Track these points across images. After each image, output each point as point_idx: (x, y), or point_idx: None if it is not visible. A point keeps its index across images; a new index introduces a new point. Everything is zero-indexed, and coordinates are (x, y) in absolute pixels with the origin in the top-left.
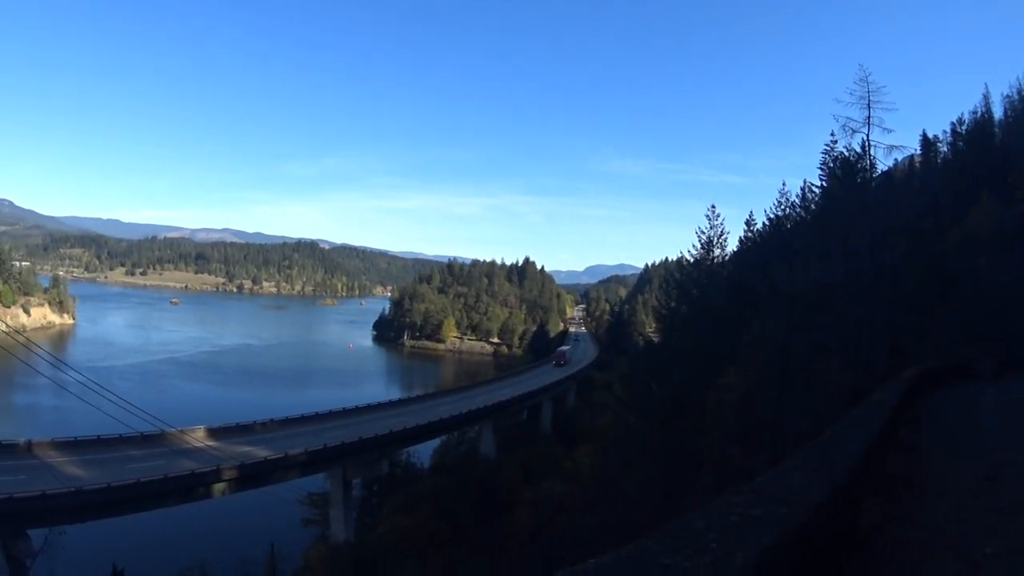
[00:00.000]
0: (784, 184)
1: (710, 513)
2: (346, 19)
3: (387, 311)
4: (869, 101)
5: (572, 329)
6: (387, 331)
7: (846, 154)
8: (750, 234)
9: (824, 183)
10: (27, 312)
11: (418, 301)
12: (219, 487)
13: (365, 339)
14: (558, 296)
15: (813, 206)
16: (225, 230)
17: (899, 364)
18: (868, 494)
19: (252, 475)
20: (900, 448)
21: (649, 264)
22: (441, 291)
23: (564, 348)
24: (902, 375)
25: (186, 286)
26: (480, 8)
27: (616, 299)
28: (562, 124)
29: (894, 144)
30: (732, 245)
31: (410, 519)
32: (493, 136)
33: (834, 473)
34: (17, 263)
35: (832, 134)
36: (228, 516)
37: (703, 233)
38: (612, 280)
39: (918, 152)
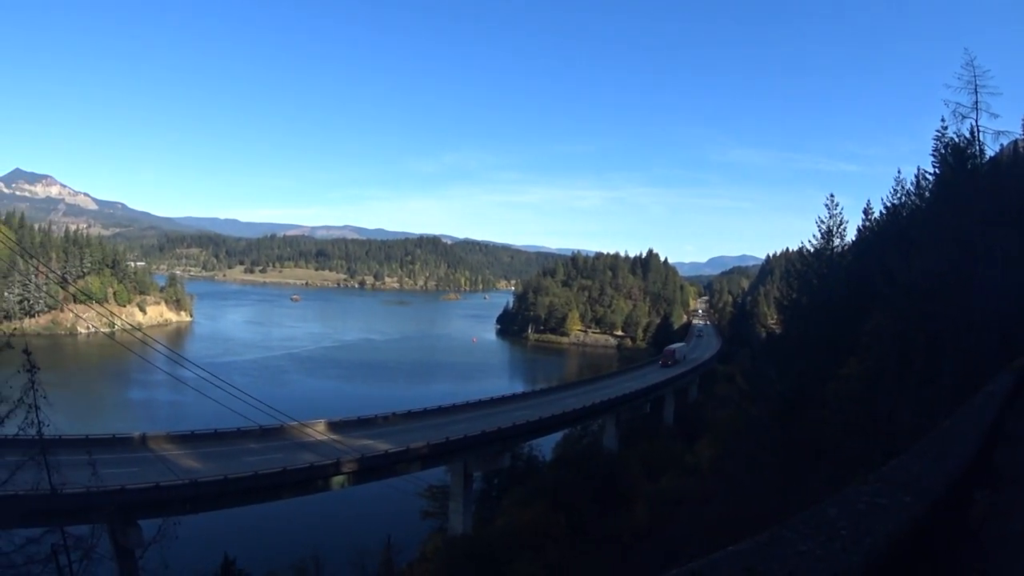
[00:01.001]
0: (899, 172)
1: (840, 501)
2: (464, 18)
3: (511, 305)
4: (976, 86)
5: (695, 321)
6: (511, 325)
7: (956, 140)
8: (868, 223)
9: (937, 170)
10: (143, 310)
11: (542, 294)
12: (338, 480)
13: (489, 333)
14: (681, 288)
15: (927, 194)
16: (345, 227)
17: (1010, 354)
18: (978, 485)
19: (372, 468)
20: (1007, 439)
21: (770, 255)
22: (565, 284)
23: (675, 346)
24: (1012, 365)
25: (306, 283)
26: (596, 2)
27: (738, 290)
28: (682, 114)
29: (1000, 129)
30: (851, 235)
31: (529, 513)
32: (613, 128)
33: (949, 465)
34: (132, 263)
35: (943, 120)
36: (345, 508)
37: (823, 223)
38: (734, 271)
39: (1023, 136)
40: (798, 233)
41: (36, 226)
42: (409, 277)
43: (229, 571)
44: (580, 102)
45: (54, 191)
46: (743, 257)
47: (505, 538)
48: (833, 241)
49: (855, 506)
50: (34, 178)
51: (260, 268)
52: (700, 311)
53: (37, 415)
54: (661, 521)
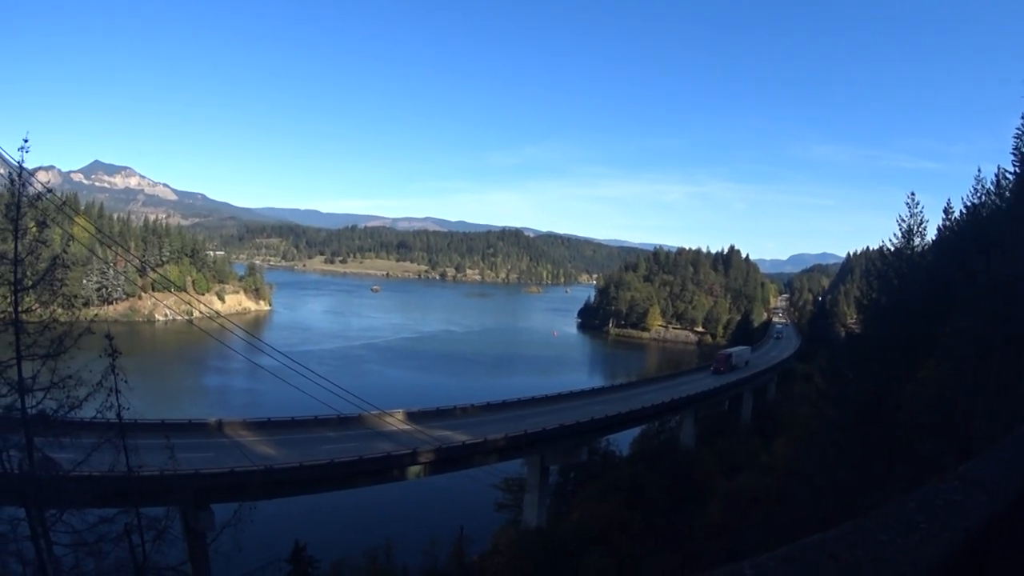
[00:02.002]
0: (979, 170)
1: (919, 497)
2: (547, 10)
3: (592, 299)
4: None
5: (775, 319)
6: (592, 319)
7: None
8: (948, 222)
9: (1017, 169)
10: (221, 299)
11: (623, 289)
12: (414, 469)
13: (570, 326)
14: (762, 285)
15: (1007, 193)
16: (427, 219)
17: None
18: None
19: (449, 458)
20: None
21: (851, 253)
22: (647, 279)
23: (732, 350)
24: None
25: (387, 274)
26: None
27: (819, 289)
28: (764, 109)
29: None
30: (932, 234)
31: (603, 507)
32: (697, 122)
33: None
34: (211, 252)
35: (1022, 117)
36: (418, 498)
37: (903, 221)
38: (815, 269)
39: None
40: (879, 231)
41: (115, 216)
42: (491, 269)
43: (299, 556)
44: (664, 96)
45: (133, 182)
46: (824, 255)
47: (578, 532)
48: (913, 240)
49: (933, 502)
50: (113, 169)
51: (340, 259)
52: (780, 309)
53: (117, 398)
54: (734, 520)
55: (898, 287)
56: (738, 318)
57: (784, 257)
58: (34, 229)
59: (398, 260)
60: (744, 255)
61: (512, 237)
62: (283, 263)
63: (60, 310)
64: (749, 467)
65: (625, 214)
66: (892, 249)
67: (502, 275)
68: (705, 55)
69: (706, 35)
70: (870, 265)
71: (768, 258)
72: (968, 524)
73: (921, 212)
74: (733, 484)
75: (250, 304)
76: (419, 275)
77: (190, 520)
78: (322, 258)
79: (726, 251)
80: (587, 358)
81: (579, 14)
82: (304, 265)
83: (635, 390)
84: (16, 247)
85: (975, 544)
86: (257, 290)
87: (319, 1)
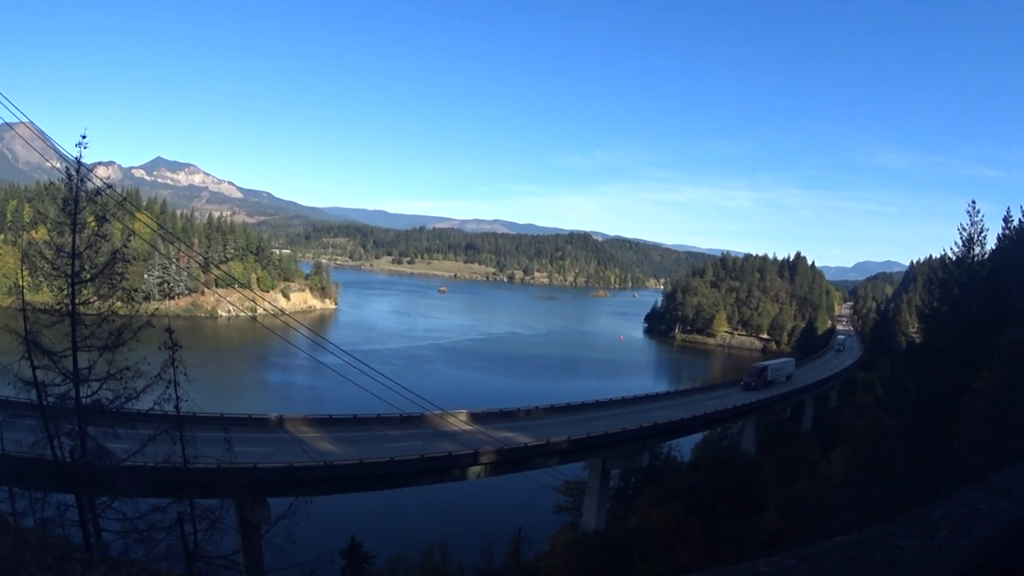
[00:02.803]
0: None
1: (946, 504)
2: (617, 17)
3: (659, 304)
4: None
5: (839, 327)
6: (658, 324)
7: None
8: (1007, 231)
9: None
10: (286, 296)
11: (690, 294)
12: (475, 470)
13: (636, 331)
14: (827, 293)
15: None
16: (496, 221)
17: None
18: None
19: (511, 459)
20: None
21: (914, 261)
22: (714, 285)
23: (769, 363)
24: None
25: (455, 275)
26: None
27: (882, 297)
28: (830, 115)
29: None
30: (992, 242)
31: (661, 513)
32: (764, 127)
33: None
34: (277, 250)
35: None
36: (477, 497)
37: (964, 230)
38: (879, 277)
39: None
40: (943, 239)
41: (178, 212)
42: (559, 273)
43: (355, 552)
44: (732, 100)
45: (197, 179)
46: (888, 263)
47: (635, 537)
48: (974, 249)
49: (959, 509)
50: (176, 166)
51: (408, 259)
52: (844, 317)
53: (176, 391)
54: (791, 528)
55: (958, 296)
56: (803, 325)
57: (849, 264)
58: (92, 223)
59: (466, 262)
60: (810, 262)
61: (580, 240)
62: (350, 263)
63: (119, 303)
64: (807, 475)
65: (693, 219)
66: (953, 258)
67: (570, 278)
68: (772, 59)
69: (774, 39)
70: (932, 274)
71: (833, 265)
72: (990, 531)
73: (981, 221)
74: (790, 492)
75: (316, 302)
76: (487, 277)
77: (245, 512)
78: (389, 258)
79: (792, 258)
80: (652, 363)
81: (650, 16)
82: (371, 265)
83: (698, 396)
84: (74, 240)
85: (995, 551)
86: (323, 288)
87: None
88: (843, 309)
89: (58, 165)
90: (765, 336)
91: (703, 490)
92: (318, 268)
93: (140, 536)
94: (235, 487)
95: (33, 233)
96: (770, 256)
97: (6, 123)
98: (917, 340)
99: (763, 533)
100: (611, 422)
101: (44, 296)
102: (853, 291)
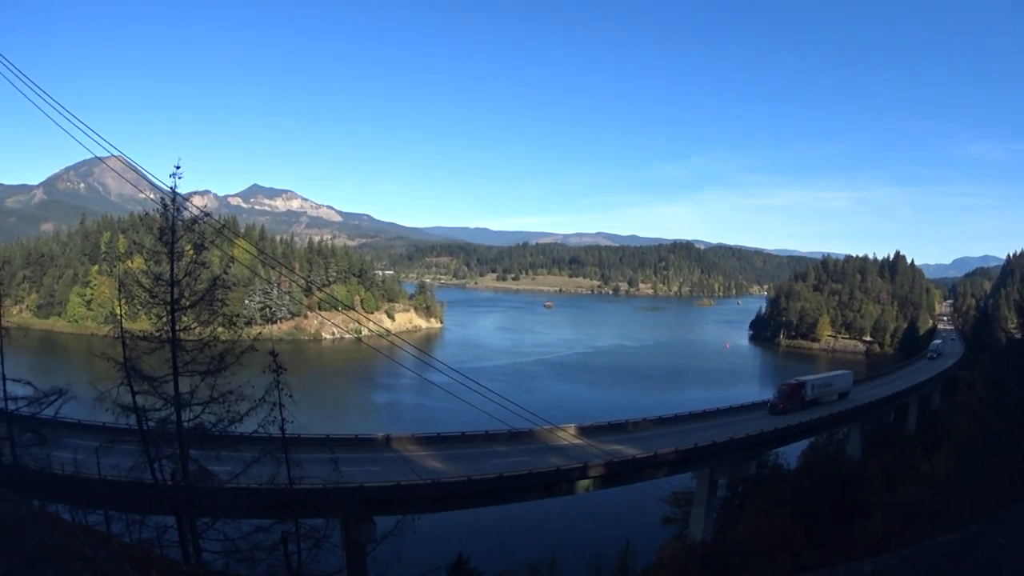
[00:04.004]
0: None
1: None
2: (703, 19)
3: (763, 310)
4: None
5: (940, 326)
6: (763, 330)
7: None
8: None
9: None
10: (391, 317)
11: (793, 299)
12: (583, 483)
13: (741, 338)
14: (927, 291)
15: None
16: (598, 234)
17: None
18: None
19: (619, 472)
20: None
21: (1011, 254)
22: (816, 288)
23: (806, 379)
24: None
25: (560, 290)
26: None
27: (981, 293)
28: (919, 107)
29: None
30: None
31: (767, 521)
32: (856, 125)
33: None
34: (380, 272)
35: None
36: (584, 511)
37: None
38: (977, 273)
39: None
40: None
41: (277, 238)
42: (663, 283)
43: (461, 568)
44: (823, 100)
45: (295, 204)
46: (986, 258)
47: (741, 547)
48: None
49: None
50: (273, 193)
51: (512, 275)
52: (945, 315)
53: (281, 413)
54: (895, 534)
55: None
56: (905, 326)
57: (947, 261)
58: (190, 252)
59: (570, 276)
60: (909, 260)
61: (683, 250)
62: (454, 281)
63: (221, 329)
64: (911, 479)
65: (792, 222)
66: None
67: (674, 288)
68: (861, 56)
69: (862, 35)
70: None
71: (932, 263)
72: None
73: None
74: (893, 497)
75: (421, 322)
76: (592, 290)
77: (351, 531)
78: (493, 275)
79: (891, 257)
80: (758, 370)
81: (732, 20)
82: (475, 283)
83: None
84: (172, 269)
85: None
86: (428, 308)
87: (485, 17)
88: (943, 307)
89: (152, 196)
90: (868, 339)
91: (808, 497)
92: (422, 288)
93: (241, 556)
94: (342, 506)
95: (129, 263)
96: (870, 256)
97: (97, 157)
98: (1017, 336)
99: (867, 539)
100: (718, 432)
101: (142, 324)
102: (952, 288)
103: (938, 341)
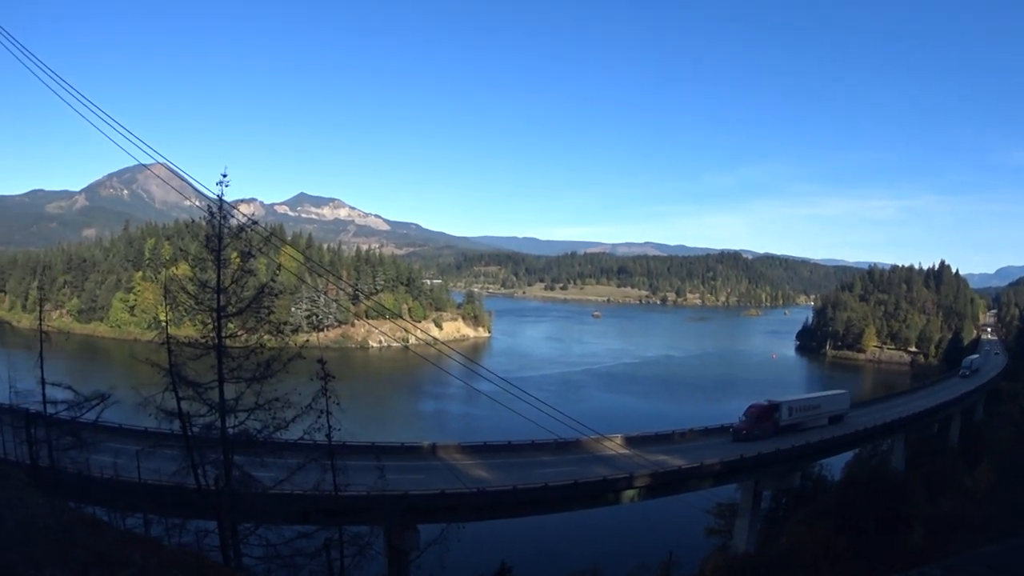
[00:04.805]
0: None
1: None
2: (756, 28)
3: (810, 320)
4: None
5: (984, 336)
6: (810, 341)
7: None
8: None
9: None
10: (439, 326)
11: (839, 309)
12: (629, 494)
13: (788, 349)
14: (971, 302)
15: None
16: (646, 243)
17: None
18: None
19: (665, 483)
20: None
21: None
22: (862, 299)
23: (781, 401)
24: None
25: (608, 299)
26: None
27: None
28: (963, 116)
29: None
30: None
31: (810, 533)
32: (901, 134)
33: None
34: (428, 280)
35: None
36: (628, 521)
37: None
38: (1021, 283)
39: None
40: None
41: (324, 246)
42: (711, 293)
43: None
44: (869, 109)
45: (343, 213)
46: None
47: (783, 558)
48: None
49: None
50: (320, 201)
51: (560, 285)
52: (989, 326)
53: (328, 420)
54: (936, 547)
55: None
56: (949, 337)
57: (992, 271)
58: (236, 259)
59: (618, 285)
60: (954, 270)
61: (731, 260)
62: (502, 291)
63: (267, 336)
64: (952, 491)
65: (839, 231)
66: None
67: (722, 298)
68: (905, 67)
69: (906, 47)
70: None
71: (976, 272)
72: None
73: None
74: (935, 509)
75: (468, 331)
76: (640, 300)
77: (393, 538)
78: (542, 285)
79: (936, 267)
80: (803, 381)
81: (781, 34)
82: (524, 292)
83: (848, 413)
84: (219, 276)
85: None
86: (476, 317)
87: (536, 28)
88: (987, 317)
89: (198, 204)
90: (913, 349)
91: (851, 509)
92: (470, 297)
93: (283, 561)
94: (386, 514)
95: (174, 269)
96: (915, 266)
97: (142, 164)
98: None
99: (909, 550)
100: (763, 443)
101: (186, 331)
102: (996, 298)
103: (975, 356)
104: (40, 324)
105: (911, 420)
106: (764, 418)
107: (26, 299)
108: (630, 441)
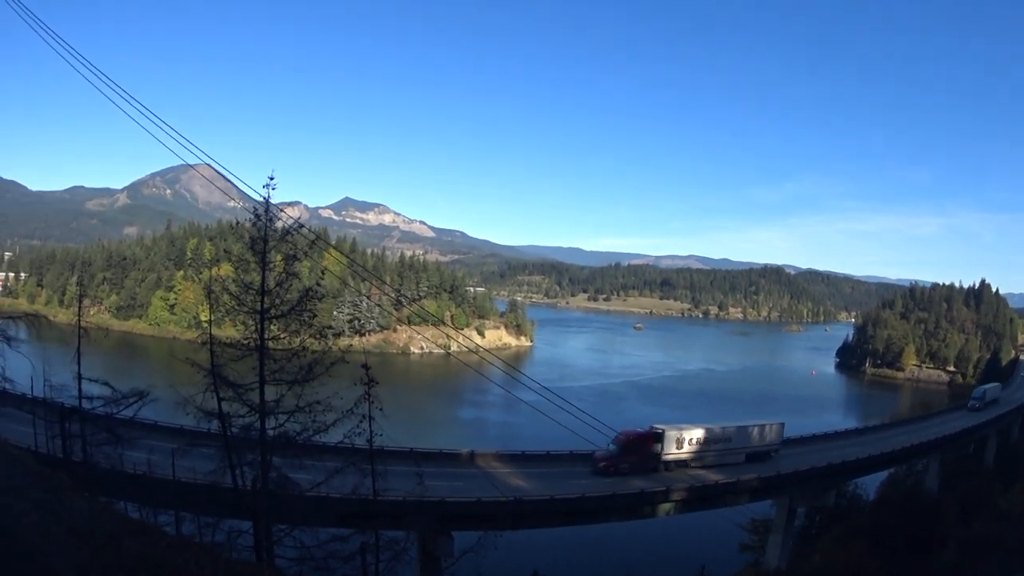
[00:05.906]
0: None
1: None
2: (800, 44)
3: (850, 337)
4: None
5: (1022, 357)
6: (850, 358)
7: None
8: None
9: None
10: (481, 333)
11: (880, 327)
12: (665, 507)
13: (828, 366)
14: (1011, 321)
15: None
16: (690, 256)
17: None
18: None
19: (701, 497)
20: None
21: None
22: (903, 317)
23: (662, 428)
24: None
25: (650, 311)
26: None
27: None
28: (1009, 133)
29: None
30: None
31: (844, 552)
32: (945, 151)
33: None
34: (471, 288)
35: None
36: (662, 534)
37: None
38: None
39: None
40: None
41: (369, 251)
42: (753, 308)
43: None
44: (914, 126)
45: (387, 219)
46: None
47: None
48: None
49: None
50: (365, 206)
51: (603, 296)
52: None
53: (371, 425)
54: (969, 569)
55: None
56: (988, 356)
57: None
58: (280, 261)
59: (661, 298)
60: (994, 289)
61: (773, 275)
62: (545, 300)
63: (310, 340)
64: (987, 513)
65: (881, 249)
66: None
67: (763, 313)
68: (949, 87)
69: (949, 69)
70: None
71: (1017, 291)
72: None
73: None
74: (968, 531)
75: (511, 340)
76: (682, 313)
77: (428, 544)
78: (585, 295)
79: (977, 286)
80: (842, 399)
81: (826, 52)
82: (567, 302)
83: (884, 432)
84: (263, 277)
85: None
86: (519, 326)
87: (579, 42)
88: None
89: (242, 205)
90: (952, 369)
91: (885, 529)
92: (513, 306)
93: (316, 564)
94: (421, 520)
95: (216, 270)
96: (956, 285)
97: (187, 164)
98: None
99: (942, 573)
100: (799, 460)
101: (226, 331)
102: None
103: (991, 385)
104: (78, 319)
105: (945, 441)
106: (636, 450)
107: (63, 294)
108: None
